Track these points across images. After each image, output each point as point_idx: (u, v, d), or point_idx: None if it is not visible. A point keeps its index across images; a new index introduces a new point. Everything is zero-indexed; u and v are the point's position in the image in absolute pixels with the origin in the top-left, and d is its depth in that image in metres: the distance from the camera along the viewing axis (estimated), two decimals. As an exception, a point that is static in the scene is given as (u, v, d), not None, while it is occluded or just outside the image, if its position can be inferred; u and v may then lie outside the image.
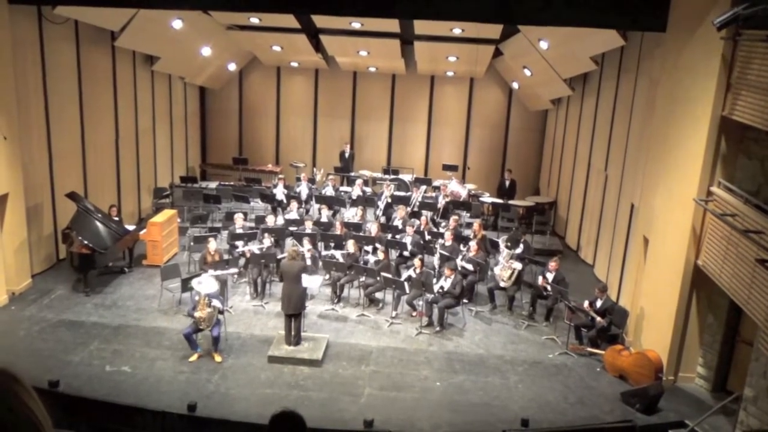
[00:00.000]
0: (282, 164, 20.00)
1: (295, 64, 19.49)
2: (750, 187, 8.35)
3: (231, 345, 10.26)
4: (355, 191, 16.11)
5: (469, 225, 15.30)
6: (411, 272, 11.72)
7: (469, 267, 12.22)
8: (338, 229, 13.46)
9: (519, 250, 12.57)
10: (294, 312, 10.05)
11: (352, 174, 18.44)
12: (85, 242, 11.69)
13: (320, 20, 15.07)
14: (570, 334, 10.86)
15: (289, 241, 13.56)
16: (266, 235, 12.61)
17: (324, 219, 14.25)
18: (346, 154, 18.96)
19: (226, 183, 18.34)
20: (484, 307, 12.23)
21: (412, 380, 9.63)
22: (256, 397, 8.92)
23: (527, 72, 16.60)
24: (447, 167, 18.41)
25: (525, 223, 16.57)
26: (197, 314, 9.67)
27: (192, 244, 13.23)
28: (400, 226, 13.84)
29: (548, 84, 16.57)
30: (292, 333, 10.11)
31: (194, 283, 10.18)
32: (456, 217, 14.37)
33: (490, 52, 16.49)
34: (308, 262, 12.10)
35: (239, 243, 12.79)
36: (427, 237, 13.54)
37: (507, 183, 17.85)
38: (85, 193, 13.57)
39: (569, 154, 16.64)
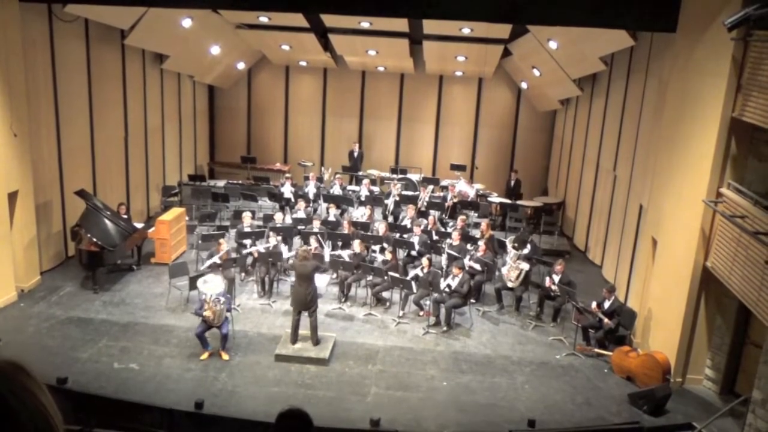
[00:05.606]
0: (290, 163, 20.03)
1: (303, 63, 19.51)
2: (760, 188, 8.28)
3: (238, 343, 10.29)
4: (362, 191, 16.12)
5: (476, 225, 15.28)
6: (418, 272, 11.73)
7: (477, 267, 12.20)
8: (346, 229, 13.48)
9: (526, 251, 12.55)
10: (305, 308, 10.00)
11: (360, 173, 18.44)
12: (94, 240, 11.75)
13: (329, 19, 15.08)
14: (577, 335, 10.83)
15: (297, 241, 13.58)
16: (272, 233, 12.64)
17: (331, 218, 14.27)
18: (355, 153, 18.98)
19: (235, 181, 18.36)
20: (491, 308, 12.21)
21: (419, 380, 9.63)
22: (263, 395, 8.94)
23: (536, 72, 16.56)
24: (455, 167, 18.40)
25: (533, 224, 16.53)
26: (206, 314, 9.69)
27: (200, 242, 13.27)
28: (408, 226, 13.84)
29: (557, 84, 16.52)
30: (309, 331, 10.11)
31: (199, 283, 10.15)
32: (464, 217, 14.36)
33: (498, 52, 16.46)
34: (326, 258, 12.04)
35: (247, 242, 12.84)
36: (435, 237, 13.54)
37: (512, 183, 17.84)
38: (94, 190, 13.64)
39: (578, 155, 16.57)
